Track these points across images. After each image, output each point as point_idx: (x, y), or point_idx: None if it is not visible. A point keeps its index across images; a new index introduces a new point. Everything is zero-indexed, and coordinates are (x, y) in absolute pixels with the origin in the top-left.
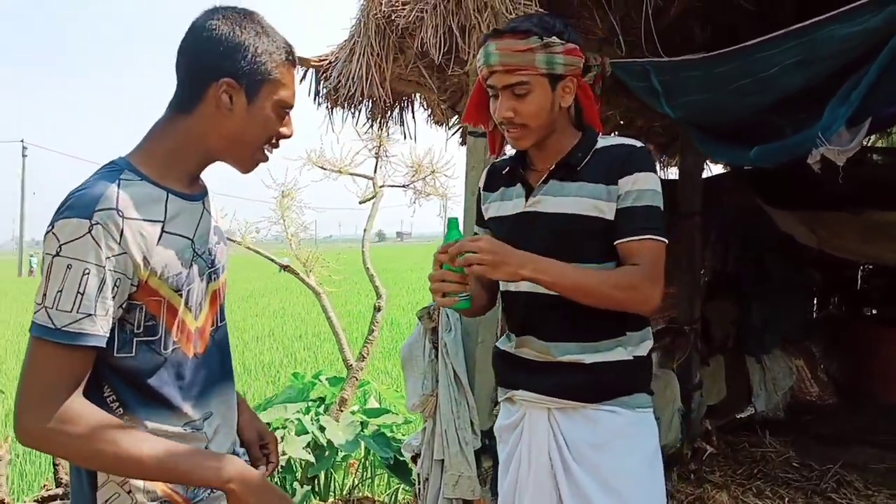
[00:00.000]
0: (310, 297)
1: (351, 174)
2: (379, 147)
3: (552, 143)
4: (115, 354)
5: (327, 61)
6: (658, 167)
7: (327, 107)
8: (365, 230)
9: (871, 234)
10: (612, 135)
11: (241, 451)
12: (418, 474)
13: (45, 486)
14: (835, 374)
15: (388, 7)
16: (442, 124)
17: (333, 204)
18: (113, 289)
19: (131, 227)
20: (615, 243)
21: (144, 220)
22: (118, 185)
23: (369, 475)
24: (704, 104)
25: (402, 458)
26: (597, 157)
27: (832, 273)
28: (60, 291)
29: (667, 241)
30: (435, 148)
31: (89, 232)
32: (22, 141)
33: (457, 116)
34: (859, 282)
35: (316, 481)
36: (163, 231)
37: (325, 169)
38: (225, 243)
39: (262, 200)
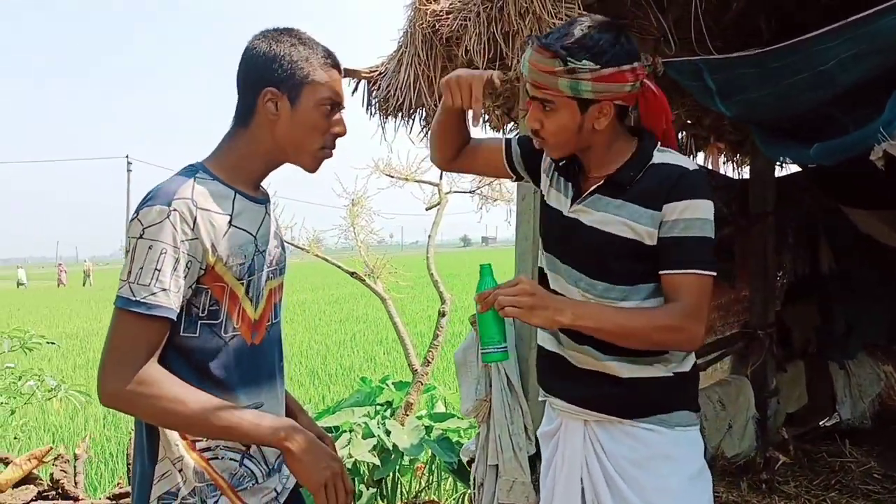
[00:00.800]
0: (397, 303)
1: (417, 181)
2: None
3: (598, 156)
4: (180, 334)
5: (377, 72)
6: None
7: (380, 116)
8: (430, 236)
9: None
10: (679, 136)
11: None
12: (473, 478)
13: (118, 483)
14: None
15: (433, 17)
16: (498, 130)
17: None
18: (185, 269)
19: (203, 216)
20: (660, 273)
21: (214, 211)
22: (194, 181)
23: (435, 479)
24: (761, 101)
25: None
26: (649, 174)
27: None
28: (141, 268)
29: (714, 273)
30: None
31: (167, 217)
32: (127, 157)
33: (512, 123)
34: None
35: (382, 484)
36: (230, 224)
37: (392, 177)
38: (284, 249)
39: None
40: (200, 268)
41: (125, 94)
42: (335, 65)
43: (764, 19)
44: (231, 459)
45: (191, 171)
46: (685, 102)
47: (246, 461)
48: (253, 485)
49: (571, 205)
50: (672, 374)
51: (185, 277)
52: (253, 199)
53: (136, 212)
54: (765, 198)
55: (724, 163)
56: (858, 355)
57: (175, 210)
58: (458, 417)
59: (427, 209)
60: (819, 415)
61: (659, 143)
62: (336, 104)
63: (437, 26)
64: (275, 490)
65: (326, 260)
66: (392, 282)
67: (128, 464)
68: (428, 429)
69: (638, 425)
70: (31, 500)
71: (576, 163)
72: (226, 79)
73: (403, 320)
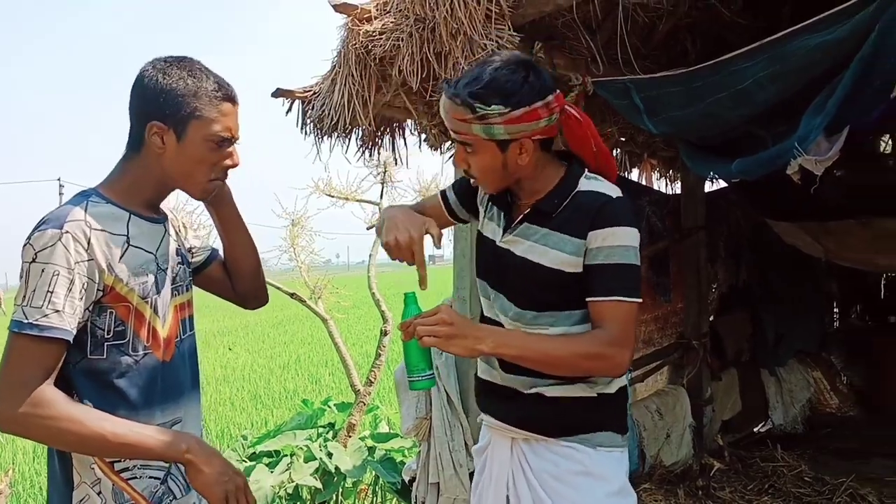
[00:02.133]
0: (342, 323)
1: (358, 200)
2: (384, 173)
3: (528, 186)
4: (88, 356)
5: (311, 92)
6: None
7: (315, 136)
8: (370, 255)
9: (881, 242)
10: (614, 152)
11: None
12: (415, 496)
13: None
14: (857, 386)
15: (367, 38)
16: (436, 148)
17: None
18: (81, 290)
19: (97, 237)
20: (586, 300)
21: (110, 232)
22: (87, 204)
23: (379, 500)
24: (685, 119)
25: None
26: (574, 203)
27: (853, 282)
28: (34, 291)
29: (639, 300)
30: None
31: (59, 240)
32: (59, 179)
33: (449, 141)
34: (882, 291)
35: None
36: (128, 244)
37: (332, 196)
38: (188, 265)
39: (271, 226)
40: (97, 289)
41: (56, 113)
42: (227, 97)
43: (690, 41)
44: (151, 478)
45: (83, 196)
46: (618, 120)
47: (168, 478)
48: (172, 501)
49: (503, 235)
50: (596, 395)
51: (80, 300)
52: (149, 218)
53: (29, 237)
54: (696, 212)
55: (657, 179)
56: (789, 362)
57: (67, 232)
58: (402, 437)
59: (367, 228)
60: (753, 421)
61: (586, 170)
62: (225, 139)
63: (370, 47)
64: None
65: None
66: (334, 302)
67: None
68: (371, 449)
69: (560, 443)
70: None
71: (508, 193)
72: None
73: (350, 340)
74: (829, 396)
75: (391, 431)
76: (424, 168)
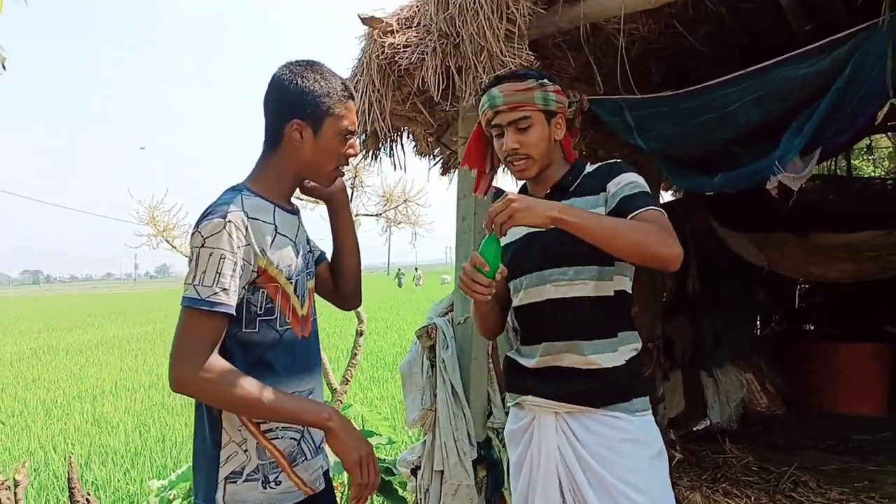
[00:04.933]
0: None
1: None
2: (355, 177)
3: (548, 175)
4: (243, 330)
5: None
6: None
7: None
8: None
9: (816, 254)
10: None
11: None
12: (419, 485)
13: None
14: (781, 387)
15: (391, 49)
16: (426, 155)
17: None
18: (240, 272)
19: (253, 226)
20: (628, 218)
21: (262, 221)
22: (241, 199)
23: None
24: (673, 137)
25: (386, 479)
26: (586, 179)
27: (774, 292)
28: (204, 272)
29: (663, 210)
30: (408, 178)
31: (224, 228)
32: None
33: (440, 147)
34: (798, 301)
35: None
36: (276, 232)
37: (301, 199)
38: (313, 255)
39: None
40: (252, 270)
41: None
42: (351, 96)
43: (655, 63)
44: (291, 439)
45: (236, 191)
46: (586, 135)
47: (302, 441)
48: (304, 461)
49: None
50: (624, 362)
51: (239, 279)
52: (288, 210)
53: (196, 226)
54: None
55: None
56: (725, 365)
57: (230, 221)
58: (377, 434)
59: None
60: (694, 419)
61: (588, 164)
62: (351, 132)
63: (395, 58)
64: (321, 467)
65: None
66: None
67: (70, 487)
68: None
69: (606, 413)
70: None
71: (526, 193)
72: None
73: (325, 341)
74: (760, 396)
75: (365, 429)
76: (388, 174)
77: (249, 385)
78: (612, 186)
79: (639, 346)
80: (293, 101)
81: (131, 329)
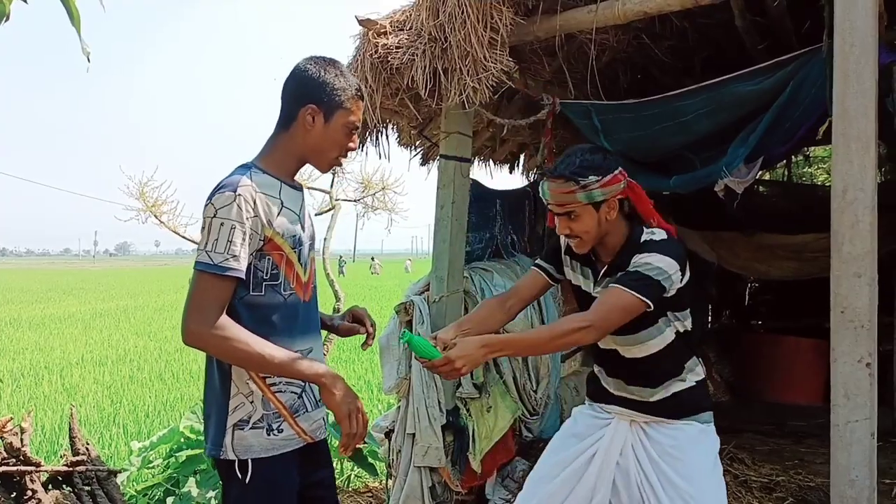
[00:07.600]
0: None
1: (309, 188)
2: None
3: (608, 241)
4: (250, 293)
5: None
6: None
7: None
8: (325, 239)
9: (761, 253)
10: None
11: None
12: (391, 447)
13: (63, 454)
14: (727, 376)
15: (384, 49)
16: (408, 146)
17: None
18: (249, 240)
19: (261, 199)
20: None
21: (269, 195)
22: (250, 174)
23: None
24: (635, 140)
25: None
26: (630, 253)
27: (725, 289)
28: (216, 240)
29: (642, 298)
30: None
31: (234, 200)
32: None
33: (421, 140)
34: (747, 298)
35: None
36: (282, 206)
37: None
38: (314, 227)
39: None
40: (259, 239)
41: None
42: (362, 97)
43: (622, 71)
44: (292, 392)
45: (246, 168)
46: (556, 135)
47: (303, 395)
48: (305, 413)
49: (594, 287)
50: (694, 384)
51: (248, 246)
52: (293, 186)
53: (209, 198)
54: None
55: None
56: None
57: (240, 195)
58: None
59: (317, 214)
60: None
61: (645, 228)
62: (356, 128)
63: (388, 57)
64: (321, 419)
65: None
66: None
67: (72, 437)
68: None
69: (679, 423)
70: None
71: (592, 252)
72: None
73: None
74: (707, 384)
75: None
76: (367, 162)
77: (255, 342)
78: (634, 262)
79: (703, 370)
80: (313, 88)
81: (93, 305)
